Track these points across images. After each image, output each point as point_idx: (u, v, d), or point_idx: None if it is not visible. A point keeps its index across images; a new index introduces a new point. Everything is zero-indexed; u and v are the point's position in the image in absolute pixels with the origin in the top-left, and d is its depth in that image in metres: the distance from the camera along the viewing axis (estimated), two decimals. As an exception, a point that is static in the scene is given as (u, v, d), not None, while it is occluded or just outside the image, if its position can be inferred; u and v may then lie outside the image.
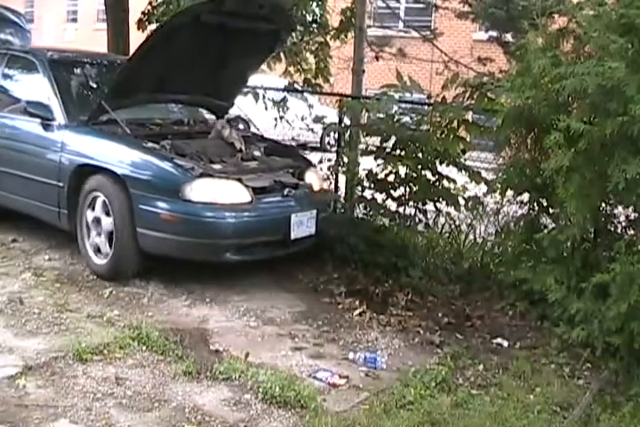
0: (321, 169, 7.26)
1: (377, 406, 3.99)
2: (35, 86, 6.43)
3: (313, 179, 6.31)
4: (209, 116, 7.23)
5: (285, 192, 5.81)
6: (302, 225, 5.82)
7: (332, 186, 7.57)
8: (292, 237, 5.75)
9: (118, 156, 5.67)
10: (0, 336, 4.50)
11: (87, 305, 5.13)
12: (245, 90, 8.27)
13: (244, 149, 6.42)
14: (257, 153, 6.45)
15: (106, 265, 5.67)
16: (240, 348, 4.59)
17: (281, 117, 8.25)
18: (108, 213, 5.64)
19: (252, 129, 7.52)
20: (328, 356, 4.64)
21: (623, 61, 4.30)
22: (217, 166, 5.82)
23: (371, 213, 6.65)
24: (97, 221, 5.73)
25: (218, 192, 5.47)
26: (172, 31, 5.75)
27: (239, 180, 5.61)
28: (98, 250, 5.76)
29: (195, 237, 5.41)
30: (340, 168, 7.25)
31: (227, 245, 5.49)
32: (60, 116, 6.08)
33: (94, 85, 6.74)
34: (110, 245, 5.63)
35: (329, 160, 7.36)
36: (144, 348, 4.47)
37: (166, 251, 5.53)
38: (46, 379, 4.02)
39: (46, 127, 6.10)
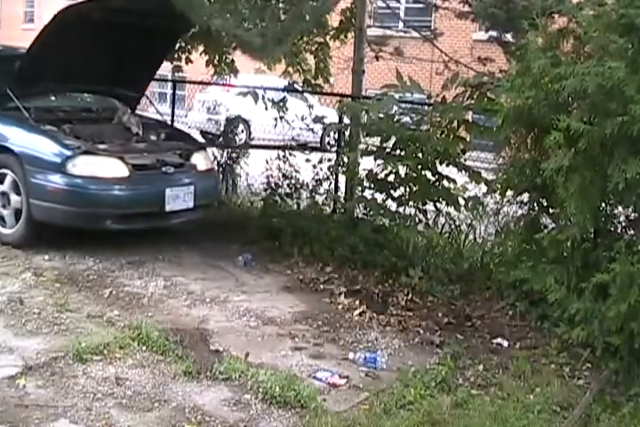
0: (323, 169, 7.27)
1: (377, 406, 3.99)
2: None
3: (199, 160, 6.94)
4: (122, 105, 7.70)
5: (164, 169, 6.47)
6: (178, 199, 6.46)
7: (332, 186, 7.58)
8: (168, 209, 6.41)
9: (17, 137, 6.46)
10: (0, 336, 4.50)
11: (87, 305, 5.13)
12: (245, 90, 8.28)
13: (140, 133, 7.17)
14: (152, 137, 7.18)
15: (13, 235, 6.34)
16: (240, 348, 4.59)
17: (281, 117, 8.25)
18: (12, 188, 6.33)
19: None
20: (328, 356, 4.64)
21: (623, 61, 4.30)
22: (102, 146, 6.53)
23: (371, 213, 6.65)
24: (2, 194, 6.41)
25: (97, 167, 6.20)
26: (62, 26, 6.31)
27: (121, 157, 6.31)
28: (3, 221, 6.44)
29: (77, 206, 6.11)
30: (339, 168, 7.25)
31: (106, 214, 6.20)
32: None
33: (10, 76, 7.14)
34: (16, 217, 6.33)
35: (329, 160, 7.36)
36: (144, 348, 4.46)
37: (55, 220, 6.19)
38: (46, 379, 4.02)
39: None
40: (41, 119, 6.64)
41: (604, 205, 4.79)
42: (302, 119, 7.98)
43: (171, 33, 7.36)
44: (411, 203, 6.22)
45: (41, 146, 6.30)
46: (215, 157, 8.78)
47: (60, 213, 6.12)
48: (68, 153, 6.17)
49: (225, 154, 8.77)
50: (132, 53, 7.06)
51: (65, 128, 6.61)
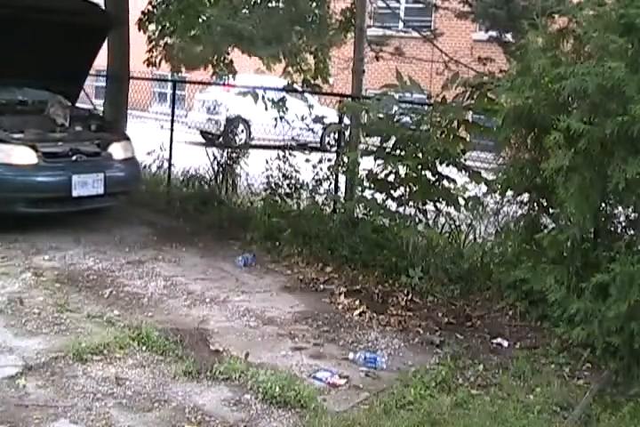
0: (323, 169, 7.27)
1: (377, 406, 3.98)
2: None
3: (117, 149, 7.37)
4: (53, 98, 7.97)
5: (74, 158, 6.93)
6: (87, 185, 6.89)
7: (332, 186, 7.58)
8: (75, 194, 6.83)
9: None
10: (0, 336, 4.50)
11: (87, 305, 5.13)
12: (245, 90, 8.28)
13: (65, 124, 7.54)
14: (78, 128, 7.55)
15: None
16: (240, 348, 4.59)
17: (281, 118, 8.24)
18: None
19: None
20: (328, 356, 4.64)
21: (623, 61, 4.30)
22: (17, 135, 6.93)
23: (371, 213, 6.64)
24: None
25: (7, 155, 6.68)
26: None
27: (32, 146, 6.76)
28: None
29: None
30: (339, 168, 7.25)
31: (16, 199, 6.65)
32: None
33: None
34: None
35: (329, 160, 7.36)
36: (144, 348, 4.46)
37: None
38: (46, 379, 4.02)
39: None
40: None
41: (603, 205, 4.78)
42: (302, 119, 7.98)
43: (96, 30, 7.65)
44: (411, 203, 6.22)
45: None
46: (215, 157, 8.80)
47: None
48: None
49: (225, 154, 8.78)
50: (60, 50, 7.32)
51: None
